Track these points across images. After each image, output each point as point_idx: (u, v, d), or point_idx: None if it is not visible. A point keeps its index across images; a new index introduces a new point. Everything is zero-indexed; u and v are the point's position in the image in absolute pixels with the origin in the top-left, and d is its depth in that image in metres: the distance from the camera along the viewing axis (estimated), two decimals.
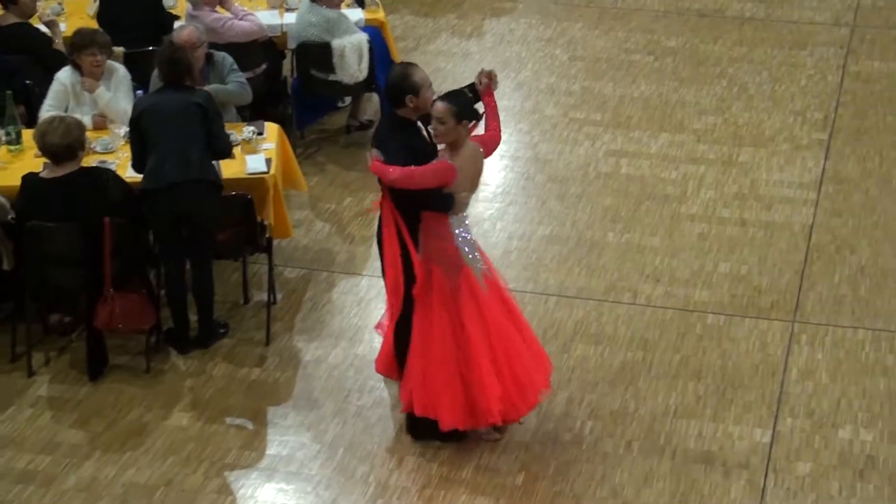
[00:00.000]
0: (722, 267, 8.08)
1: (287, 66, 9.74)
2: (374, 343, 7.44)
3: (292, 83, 9.50)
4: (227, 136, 7.29)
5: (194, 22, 8.58)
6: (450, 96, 6.21)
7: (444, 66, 10.77)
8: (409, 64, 6.51)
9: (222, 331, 7.54)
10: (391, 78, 6.37)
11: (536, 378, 6.52)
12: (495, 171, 9.25)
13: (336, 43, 8.96)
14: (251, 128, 7.82)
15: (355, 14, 9.49)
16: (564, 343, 7.43)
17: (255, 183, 7.48)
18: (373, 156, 6.19)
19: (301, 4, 9.29)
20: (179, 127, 7.04)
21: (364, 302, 7.85)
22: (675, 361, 7.25)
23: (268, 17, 9.42)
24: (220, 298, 7.65)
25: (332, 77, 9.08)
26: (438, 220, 6.27)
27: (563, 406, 6.91)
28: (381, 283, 7.94)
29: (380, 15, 9.68)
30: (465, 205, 6.33)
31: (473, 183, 6.37)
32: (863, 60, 10.63)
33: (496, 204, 8.82)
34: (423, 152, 6.27)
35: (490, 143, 6.51)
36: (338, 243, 8.45)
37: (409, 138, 6.31)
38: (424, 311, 6.37)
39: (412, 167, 6.12)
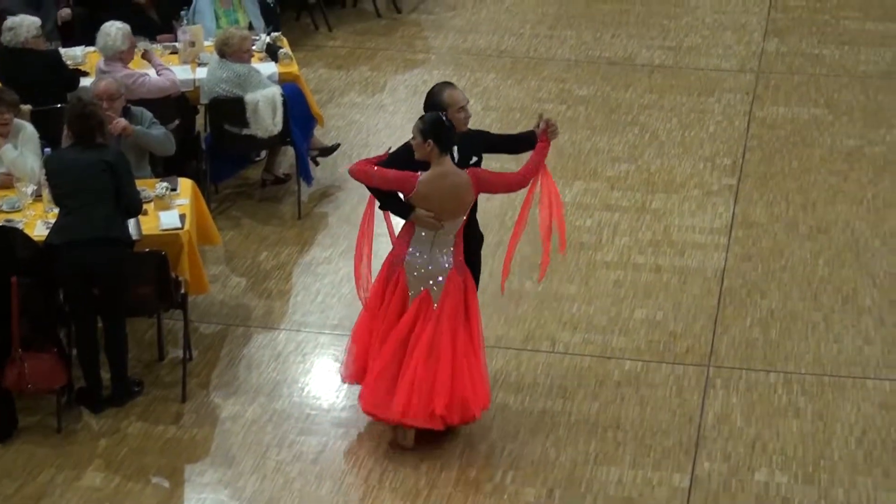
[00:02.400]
0: (638, 313, 8.15)
1: (200, 121, 9.71)
2: (293, 397, 7.40)
3: (206, 138, 9.46)
4: (137, 193, 7.25)
5: (107, 77, 8.52)
6: (426, 117, 6.58)
7: (359, 118, 10.79)
8: (447, 83, 6.90)
9: (136, 389, 7.44)
10: (429, 91, 6.87)
11: (431, 403, 6.73)
12: None
13: (249, 97, 8.95)
14: (164, 184, 7.78)
15: (268, 68, 9.49)
16: None
17: (170, 239, 7.43)
18: (384, 152, 6.82)
19: (211, 60, 9.27)
20: (87, 184, 6.98)
21: (282, 356, 7.80)
22: (595, 408, 7.28)
23: (180, 72, 9.39)
24: (134, 356, 7.56)
25: (245, 131, 9.05)
26: (406, 227, 6.76)
27: (484, 455, 6.90)
28: (299, 337, 7.98)
29: (293, 68, 9.69)
30: (435, 226, 6.63)
31: (443, 208, 6.61)
32: (768, 106, 10.85)
33: None
34: (418, 168, 6.58)
35: (498, 182, 6.93)
36: (254, 298, 8.40)
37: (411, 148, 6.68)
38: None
39: (378, 167, 6.65)
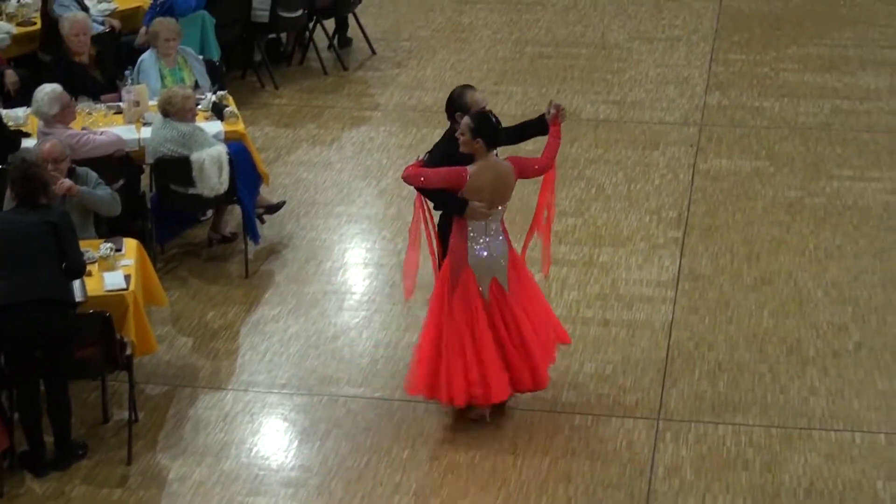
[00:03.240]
0: (587, 367, 8.16)
1: (146, 181, 9.67)
2: (241, 458, 7.33)
3: (151, 197, 9.41)
4: (81, 254, 7.19)
5: (51, 138, 8.46)
6: (477, 114, 7.06)
7: (306, 175, 10.79)
8: (467, 86, 7.39)
9: (81, 452, 7.34)
10: (450, 94, 7.33)
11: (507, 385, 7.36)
12: (360, 279, 9.26)
13: (195, 156, 8.92)
14: (109, 244, 7.72)
15: (214, 126, 9.48)
16: (434, 450, 7.40)
17: (115, 300, 7.37)
18: (417, 159, 7.18)
19: (154, 120, 9.25)
20: (31, 245, 6.92)
21: (229, 417, 7.73)
22: (545, 464, 7.27)
23: (125, 132, 9.36)
24: (78, 418, 7.47)
25: (191, 190, 9.02)
26: (459, 222, 7.16)
27: None
28: (247, 397, 7.91)
29: (239, 127, 9.69)
30: (486, 216, 7.11)
31: (493, 197, 7.13)
32: (711, 158, 10.96)
33: (361, 312, 8.81)
34: (459, 163, 7.02)
35: (530, 167, 7.34)
36: (201, 358, 8.33)
37: (454, 149, 7.08)
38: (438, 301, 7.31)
39: (428, 170, 7.05)
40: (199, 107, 9.47)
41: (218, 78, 10.70)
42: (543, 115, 7.43)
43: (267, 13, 12.34)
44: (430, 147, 7.70)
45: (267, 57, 12.70)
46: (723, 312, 8.70)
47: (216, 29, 11.51)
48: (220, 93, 10.08)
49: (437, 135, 11.48)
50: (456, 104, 7.35)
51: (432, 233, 7.42)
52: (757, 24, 13.88)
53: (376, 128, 11.73)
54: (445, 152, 7.21)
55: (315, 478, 7.19)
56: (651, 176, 10.70)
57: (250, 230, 9.37)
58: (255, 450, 7.44)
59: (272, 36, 13.04)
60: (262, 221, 9.75)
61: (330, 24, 13.26)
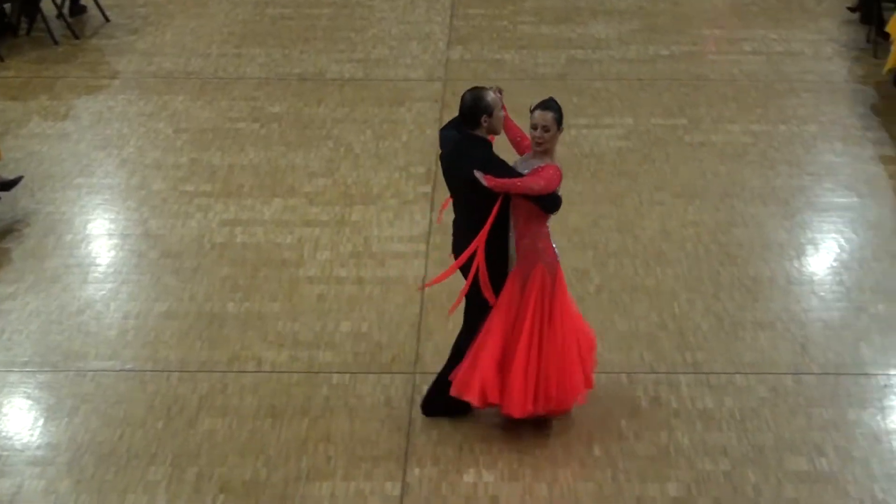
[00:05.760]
0: (343, 326, 8.14)
1: None
2: None
3: None
4: None
5: None
6: (554, 105, 6.70)
7: (40, 148, 10.37)
8: (481, 87, 6.81)
9: None
10: (467, 101, 6.71)
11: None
12: (104, 250, 8.97)
13: None
14: None
15: None
16: (190, 419, 7.25)
17: None
18: (483, 175, 6.54)
19: None
20: None
21: None
22: (304, 425, 7.22)
23: None
24: None
25: None
26: (541, 223, 6.77)
27: (192, 482, 6.75)
28: None
29: None
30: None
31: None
32: (455, 113, 11.00)
33: (108, 284, 8.54)
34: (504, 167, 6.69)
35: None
36: None
37: (497, 155, 6.72)
38: (498, 308, 6.86)
39: (541, 177, 6.58)
40: None
41: None
42: None
43: None
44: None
45: None
46: None
47: None
48: None
49: (180, 101, 11.33)
50: (481, 107, 6.71)
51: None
52: None
53: (114, 96, 11.36)
54: (502, 161, 6.73)
55: (64, 455, 6.94)
56: (399, 133, 10.74)
57: None
58: None
59: None
60: None
61: None
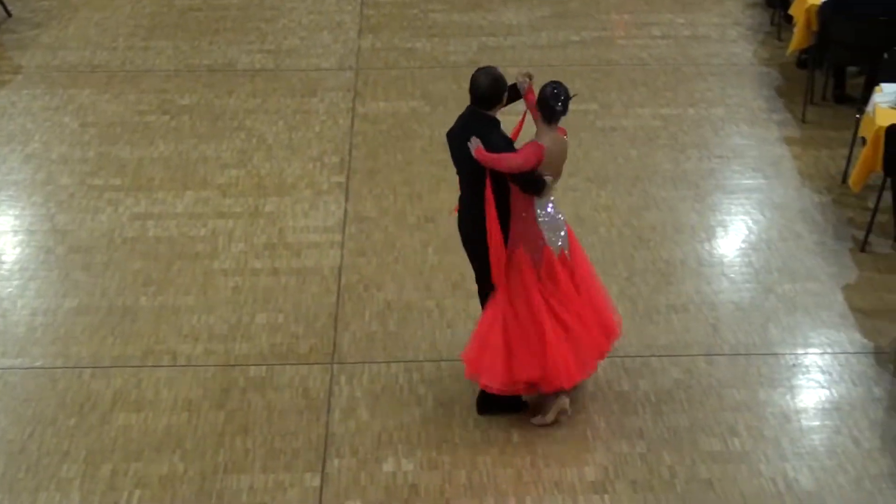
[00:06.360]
0: (259, 318, 8.10)
1: None
2: None
3: None
4: None
5: None
6: (543, 86, 6.73)
7: None
8: (491, 67, 6.79)
9: None
10: (490, 82, 6.68)
11: (594, 351, 7.09)
12: (10, 247, 8.83)
13: None
14: None
15: None
16: (104, 415, 7.18)
17: None
18: (476, 145, 6.59)
19: None
20: None
21: None
22: (221, 418, 7.18)
23: None
24: None
25: None
26: (527, 205, 6.75)
27: (107, 478, 6.68)
28: None
29: None
30: (551, 189, 6.79)
31: (557, 168, 6.81)
32: (368, 102, 11.05)
33: (15, 281, 8.41)
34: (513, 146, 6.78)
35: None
36: None
37: (503, 134, 6.79)
38: (501, 289, 6.88)
39: (519, 154, 6.62)
40: None
41: None
42: (514, 84, 7.00)
43: None
44: None
45: None
46: (389, 253, 8.82)
47: None
48: None
49: (86, 94, 11.16)
50: (503, 86, 6.77)
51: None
52: None
53: (18, 91, 11.17)
54: (508, 140, 6.85)
55: None
56: (311, 123, 10.69)
57: None
58: None
59: None
60: None
61: None
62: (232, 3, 13.15)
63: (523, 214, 6.83)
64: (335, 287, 8.41)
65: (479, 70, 6.83)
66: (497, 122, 6.86)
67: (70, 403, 7.28)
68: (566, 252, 6.96)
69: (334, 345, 7.84)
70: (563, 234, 6.94)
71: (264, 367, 7.62)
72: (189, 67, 11.74)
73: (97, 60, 11.83)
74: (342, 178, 9.79)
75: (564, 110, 6.76)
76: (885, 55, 9.71)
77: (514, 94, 7.00)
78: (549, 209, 6.86)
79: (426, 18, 12.80)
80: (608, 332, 7.20)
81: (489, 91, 6.75)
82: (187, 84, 11.40)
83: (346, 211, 9.34)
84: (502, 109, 6.88)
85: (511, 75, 7.00)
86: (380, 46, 12.14)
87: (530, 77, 7.01)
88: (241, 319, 8.08)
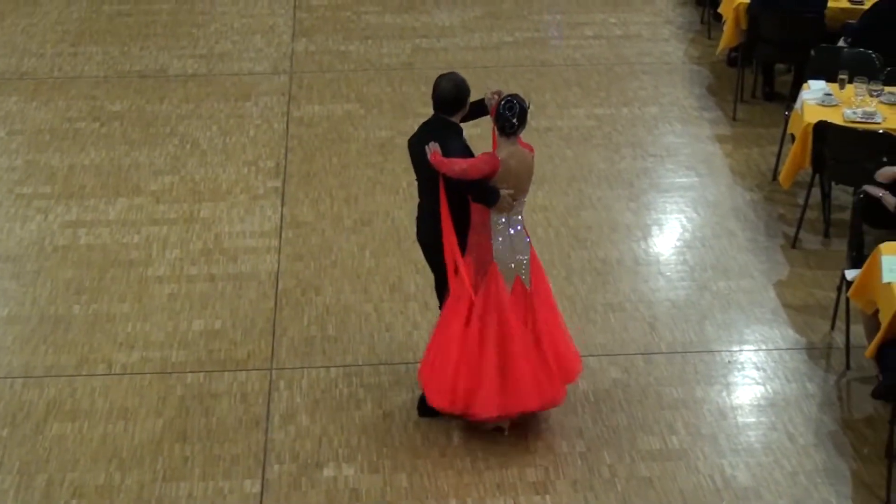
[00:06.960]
0: (196, 325, 8.04)
1: None
2: None
3: None
4: None
5: None
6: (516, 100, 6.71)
7: None
8: (455, 73, 6.84)
9: None
10: (451, 87, 6.73)
11: (534, 390, 6.84)
12: None
13: None
14: None
15: None
16: (38, 424, 7.10)
17: None
18: (433, 149, 6.59)
19: None
20: None
21: None
22: (159, 426, 7.11)
23: None
24: None
25: None
26: (482, 215, 6.69)
27: (42, 488, 6.60)
28: None
29: None
30: (511, 206, 6.67)
31: (519, 183, 6.71)
32: (304, 105, 11.00)
33: None
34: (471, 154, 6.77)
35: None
36: None
37: (464, 142, 6.80)
38: (452, 300, 6.82)
39: (467, 160, 6.62)
40: None
41: None
42: (482, 99, 6.96)
43: None
44: None
45: None
46: (326, 257, 8.78)
47: None
48: None
49: (13, 102, 11.01)
50: (467, 93, 6.80)
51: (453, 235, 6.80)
52: None
53: None
54: (466, 146, 6.81)
55: None
56: (246, 127, 10.62)
57: None
58: None
59: None
60: None
61: None
62: (162, 8, 13.03)
63: (479, 226, 6.78)
64: (272, 292, 8.36)
65: (441, 76, 6.86)
66: (459, 130, 6.85)
67: (2, 414, 7.18)
68: (523, 279, 6.85)
69: (273, 350, 7.79)
70: (522, 258, 6.83)
71: (202, 374, 7.57)
72: (119, 73, 11.61)
73: (24, 67, 11.67)
74: (278, 183, 9.74)
75: (521, 123, 6.69)
76: (812, 52, 9.83)
77: (481, 109, 7.00)
78: (511, 230, 6.77)
79: (359, 21, 12.77)
80: (565, 375, 7.04)
81: (451, 95, 6.77)
82: (118, 90, 11.28)
83: (282, 215, 9.29)
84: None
85: (432, 78, 6.99)
86: (313, 49, 12.10)
87: (499, 94, 6.97)
88: (177, 326, 8.01)
